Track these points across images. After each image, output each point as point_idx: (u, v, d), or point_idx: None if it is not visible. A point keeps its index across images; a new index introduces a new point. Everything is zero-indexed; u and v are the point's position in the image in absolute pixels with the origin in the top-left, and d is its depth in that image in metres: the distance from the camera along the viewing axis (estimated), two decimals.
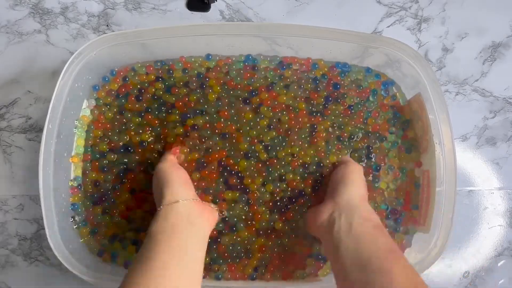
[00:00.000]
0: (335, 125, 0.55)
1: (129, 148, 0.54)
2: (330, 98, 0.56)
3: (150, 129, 0.54)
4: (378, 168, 0.55)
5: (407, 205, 0.55)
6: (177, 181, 0.45)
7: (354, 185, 0.47)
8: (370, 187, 0.54)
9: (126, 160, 0.54)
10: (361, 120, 0.56)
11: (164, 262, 0.38)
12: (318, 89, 0.56)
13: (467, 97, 0.63)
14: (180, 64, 0.56)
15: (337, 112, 0.55)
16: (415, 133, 0.56)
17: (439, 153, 0.51)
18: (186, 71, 0.56)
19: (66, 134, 0.52)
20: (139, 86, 0.56)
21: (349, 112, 0.56)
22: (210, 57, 0.57)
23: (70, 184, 0.53)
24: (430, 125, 0.52)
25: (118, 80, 0.56)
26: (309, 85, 0.56)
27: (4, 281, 0.56)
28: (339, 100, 0.56)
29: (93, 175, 0.54)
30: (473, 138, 0.62)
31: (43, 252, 0.57)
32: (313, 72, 0.57)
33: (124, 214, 0.53)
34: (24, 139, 0.60)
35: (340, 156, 0.53)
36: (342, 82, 0.57)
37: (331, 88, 0.56)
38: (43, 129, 0.48)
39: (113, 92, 0.56)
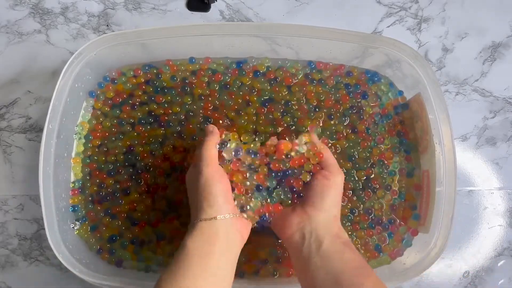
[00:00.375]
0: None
1: (131, 148, 0.54)
2: (354, 108, 0.56)
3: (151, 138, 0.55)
4: (375, 190, 0.55)
5: (405, 219, 0.55)
6: (218, 194, 0.42)
7: (333, 204, 0.44)
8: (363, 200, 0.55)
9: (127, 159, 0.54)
10: (366, 144, 0.56)
11: (195, 278, 0.37)
12: (351, 94, 0.56)
13: (467, 97, 0.63)
14: (167, 68, 0.56)
15: (353, 135, 0.56)
16: (416, 135, 0.56)
17: (439, 153, 0.51)
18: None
19: (66, 134, 0.52)
20: (129, 91, 0.56)
21: (363, 134, 0.56)
22: (244, 62, 0.58)
23: (72, 186, 0.53)
24: (430, 125, 0.52)
25: (111, 87, 0.56)
26: (343, 90, 0.57)
27: (4, 281, 0.56)
28: (362, 117, 0.56)
29: (94, 177, 0.54)
30: (473, 138, 0.62)
31: (43, 252, 0.57)
32: (346, 79, 0.57)
33: (124, 213, 0.53)
34: (24, 139, 0.60)
35: (321, 154, 0.46)
36: (369, 91, 0.57)
37: (359, 96, 0.57)
38: (43, 129, 0.48)
39: (109, 102, 0.56)
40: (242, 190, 0.46)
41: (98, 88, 0.57)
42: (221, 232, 0.41)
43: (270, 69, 0.57)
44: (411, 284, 0.58)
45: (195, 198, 0.43)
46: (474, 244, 0.59)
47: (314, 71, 0.58)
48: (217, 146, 0.46)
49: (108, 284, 0.47)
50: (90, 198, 0.54)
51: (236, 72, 0.57)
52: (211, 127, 0.47)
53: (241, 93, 0.56)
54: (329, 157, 0.47)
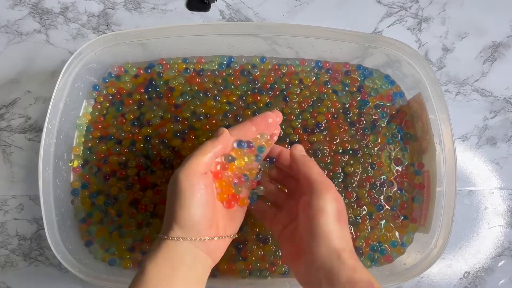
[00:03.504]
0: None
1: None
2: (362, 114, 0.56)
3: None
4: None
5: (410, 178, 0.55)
6: (193, 212, 0.35)
7: (329, 239, 0.34)
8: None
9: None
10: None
11: None
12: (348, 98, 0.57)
13: (467, 97, 0.63)
14: (160, 67, 0.57)
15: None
16: (416, 133, 0.56)
17: (439, 153, 0.50)
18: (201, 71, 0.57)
19: (65, 134, 0.52)
20: (129, 87, 0.57)
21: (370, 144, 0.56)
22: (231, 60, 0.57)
23: (70, 164, 0.54)
24: (430, 125, 0.52)
25: (115, 83, 0.57)
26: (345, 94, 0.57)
27: (3, 281, 0.56)
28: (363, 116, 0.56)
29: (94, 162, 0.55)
30: (473, 138, 0.62)
31: (42, 252, 0.57)
32: (347, 81, 0.57)
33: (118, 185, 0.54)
34: (24, 139, 0.59)
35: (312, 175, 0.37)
36: (369, 91, 0.57)
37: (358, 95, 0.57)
38: (42, 129, 0.48)
39: (110, 97, 0.57)
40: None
41: (102, 83, 0.57)
42: (189, 256, 0.35)
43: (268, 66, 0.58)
44: (411, 284, 0.58)
45: (168, 208, 0.37)
46: (474, 244, 0.59)
47: (316, 69, 0.58)
48: (217, 157, 0.39)
49: (107, 284, 0.47)
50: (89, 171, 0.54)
51: (238, 73, 0.57)
52: (221, 130, 0.40)
53: (248, 92, 0.56)
54: (313, 172, 0.37)
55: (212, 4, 0.64)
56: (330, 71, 0.58)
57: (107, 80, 0.57)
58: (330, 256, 0.33)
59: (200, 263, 0.36)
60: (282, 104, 0.56)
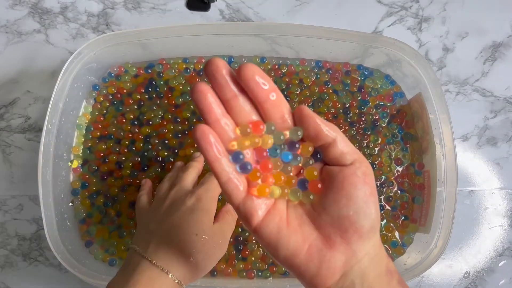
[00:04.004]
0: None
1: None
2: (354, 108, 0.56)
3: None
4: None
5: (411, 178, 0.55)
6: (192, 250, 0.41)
7: (378, 218, 0.27)
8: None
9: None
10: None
11: None
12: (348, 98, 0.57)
13: (468, 97, 0.63)
14: (160, 67, 0.57)
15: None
16: (416, 133, 0.56)
17: (440, 153, 0.50)
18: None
19: (65, 134, 0.52)
20: (129, 86, 0.57)
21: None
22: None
23: (70, 165, 0.54)
24: (431, 125, 0.52)
25: (114, 83, 0.57)
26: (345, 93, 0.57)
27: (3, 281, 0.56)
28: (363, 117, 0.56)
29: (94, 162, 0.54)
30: (474, 138, 0.62)
31: (42, 252, 0.57)
32: (348, 81, 0.57)
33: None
34: (24, 139, 0.59)
35: (340, 144, 0.27)
36: (370, 91, 0.57)
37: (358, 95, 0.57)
38: (42, 129, 0.47)
39: (110, 97, 0.57)
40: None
41: (102, 83, 0.57)
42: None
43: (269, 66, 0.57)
44: (412, 284, 0.58)
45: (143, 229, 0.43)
46: (474, 245, 0.59)
47: (316, 69, 0.57)
48: None
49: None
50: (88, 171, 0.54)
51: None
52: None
53: None
54: (345, 141, 0.28)
55: (212, 4, 0.64)
56: (330, 71, 0.58)
57: (107, 80, 0.57)
58: (379, 239, 0.29)
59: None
60: None
